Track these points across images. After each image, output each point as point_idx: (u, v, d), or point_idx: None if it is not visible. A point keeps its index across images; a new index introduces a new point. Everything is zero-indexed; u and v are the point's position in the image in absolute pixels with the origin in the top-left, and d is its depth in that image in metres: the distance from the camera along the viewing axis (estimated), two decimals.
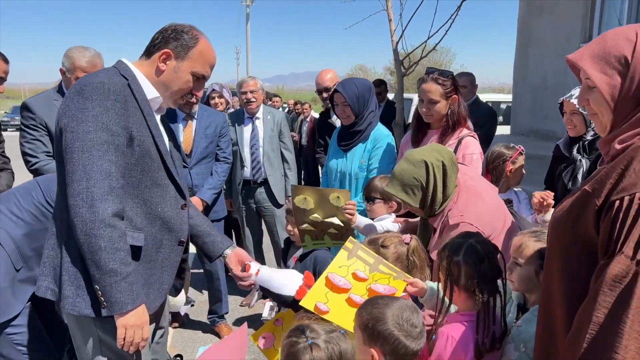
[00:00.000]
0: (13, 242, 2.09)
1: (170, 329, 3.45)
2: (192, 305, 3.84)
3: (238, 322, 3.87)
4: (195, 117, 3.37)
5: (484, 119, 3.98)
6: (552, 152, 2.77)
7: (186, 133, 3.33)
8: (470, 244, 1.57)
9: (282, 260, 2.77)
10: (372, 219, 2.51)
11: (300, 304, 1.76)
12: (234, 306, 4.09)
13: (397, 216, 2.56)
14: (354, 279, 1.79)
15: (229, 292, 3.79)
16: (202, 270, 3.81)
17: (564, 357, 1.06)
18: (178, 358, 3.04)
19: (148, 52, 1.70)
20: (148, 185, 1.64)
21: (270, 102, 8.56)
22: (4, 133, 3.07)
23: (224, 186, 3.78)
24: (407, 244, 1.95)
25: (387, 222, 2.48)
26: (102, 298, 1.49)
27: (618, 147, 1.04)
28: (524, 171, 2.83)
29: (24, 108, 2.84)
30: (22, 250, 2.11)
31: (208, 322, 3.75)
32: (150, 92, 1.68)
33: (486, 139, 3.96)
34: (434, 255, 1.94)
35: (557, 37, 8.15)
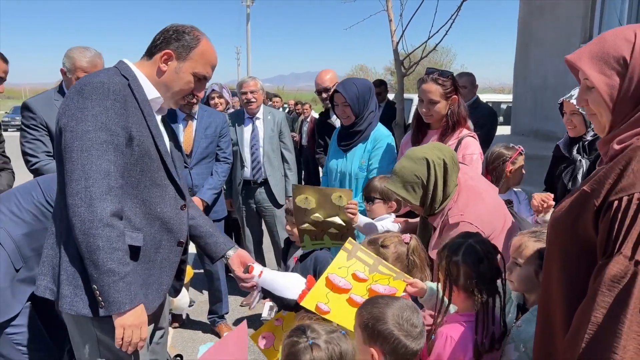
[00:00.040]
0: (13, 242, 2.10)
1: (170, 329, 3.45)
2: (192, 306, 3.85)
3: (238, 322, 3.86)
4: (196, 117, 3.37)
5: (484, 119, 3.98)
6: (552, 152, 2.77)
7: (186, 133, 3.33)
8: (470, 244, 1.57)
9: (282, 260, 2.77)
10: (372, 219, 2.52)
11: (301, 304, 1.76)
12: (234, 306, 4.09)
13: (396, 216, 2.56)
14: (354, 279, 1.80)
15: (229, 292, 3.79)
16: (202, 271, 3.81)
17: (563, 357, 1.06)
18: (178, 358, 3.05)
19: (149, 53, 1.70)
20: (147, 185, 1.64)
21: (270, 103, 8.56)
22: (4, 133, 3.07)
23: (224, 186, 3.78)
24: (407, 243, 1.96)
25: (387, 222, 2.48)
26: (100, 298, 1.49)
27: (617, 147, 1.04)
28: (523, 171, 2.83)
29: (25, 108, 2.84)
30: (22, 250, 2.11)
31: (208, 322, 3.75)
32: (151, 92, 1.68)
33: (486, 139, 3.96)
34: (433, 254, 1.94)
35: (558, 38, 8.15)
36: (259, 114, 3.94)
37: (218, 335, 3.63)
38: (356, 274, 1.80)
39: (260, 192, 3.97)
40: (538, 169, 3.67)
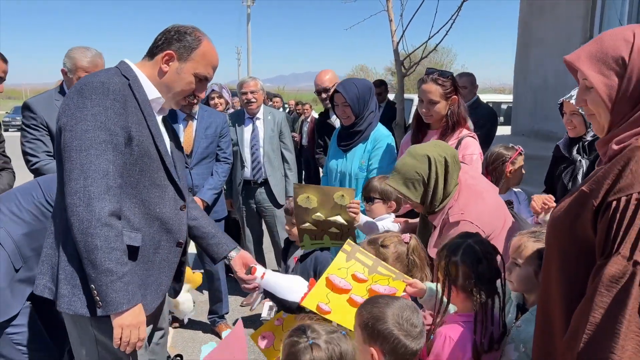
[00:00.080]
0: (13, 242, 2.10)
1: (170, 329, 3.45)
2: (193, 312, 3.84)
3: None
4: (196, 117, 3.37)
5: (485, 120, 3.98)
6: (552, 152, 2.77)
7: (186, 133, 3.33)
8: (469, 245, 1.57)
9: (283, 259, 2.77)
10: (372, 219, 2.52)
11: (302, 304, 1.76)
12: (234, 306, 4.10)
13: (396, 216, 2.57)
14: (354, 280, 1.80)
15: (229, 292, 3.80)
16: (202, 271, 3.81)
17: (562, 357, 1.06)
18: (178, 358, 3.05)
19: (151, 53, 1.70)
20: (146, 186, 1.64)
21: (270, 103, 8.56)
22: (5, 133, 3.08)
23: (225, 186, 3.79)
24: (407, 243, 1.96)
25: (387, 222, 2.48)
26: (98, 297, 1.49)
27: (615, 147, 1.04)
28: (523, 171, 2.83)
29: (25, 108, 2.85)
30: (22, 250, 2.11)
31: (208, 322, 3.75)
32: (152, 92, 1.68)
33: (486, 139, 3.96)
34: (432, 252, 1.94)
35: (558, 38, 8.14)
36: (259, 114, 3.94)
37: (218, 335, 3.64)
38: (356, 275, 1.80)
39: (261, 192, 3.98)
40: (538, 169, 3.66)
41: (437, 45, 4.83)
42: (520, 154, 2.76)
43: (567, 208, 1.09)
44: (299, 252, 2.56)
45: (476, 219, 1.92)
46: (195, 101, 1.84)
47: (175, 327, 3.73)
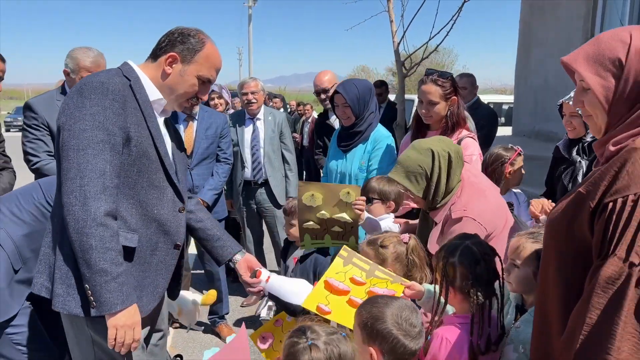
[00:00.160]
0: (13, 243, 2.10)
1: (170, 329, 3.46)
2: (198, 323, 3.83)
3: (238, 323, 3.88)
4: (196, 118, 3.38)
5: (485, 120, 3.98)
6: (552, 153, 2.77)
7: (187, 134, 3.34)
8: (467, 246, 1.57)
9: (282, 259, 2.77)
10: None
11: (302, 305, 1.76)
12: (235, 307, 4.10)
13: (396, 217, 2.57)
14: (353, 283, 1.80)
15: (229, 293, 3.80)
16: (202, 271, 3.82)
17: (559, 357, 1.06)
18: (178, 358, 3.05)
19: (154, 55, 1.70)
20: (144, 187, 1.64)
21: (271, 104, 8.56)
22: (7, 133, 3.09)
23: (225, 187, 3.79)
24: (406, 243, 1.96)
25: (388, 222, 2.48)
26: (92, 298, 1.48)
27: (612, 148, 1.04)
28: (523, 172, 2.83)
29: (27, 108, 2.86)
30: (22, 251, 2.12)
31: (209, 323, 3.76)
32: (154, 94, 1.68)
33: (487, 140, 3.96)
34: (432, 248, 1.93)
35: (559, 38, 8.14)
36: (260, 115, 3.95)
37: (218, 336, 3.64)
38: (354, 278, 1.80)
39: (261, 193, 3.98)
40: (539, 169, 3.67)
41: (437, 45, 4.83)
42: (519, 154, 2.75)
43: (565, 209, 1.09)
44: (298, 253, 2.55)
45: (478, 216, 1.91)
46: (196, 102, 1.85)
47: (175, 328, 3.74)
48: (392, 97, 6.20)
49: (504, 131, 9.36)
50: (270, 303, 2.47)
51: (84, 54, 2.79)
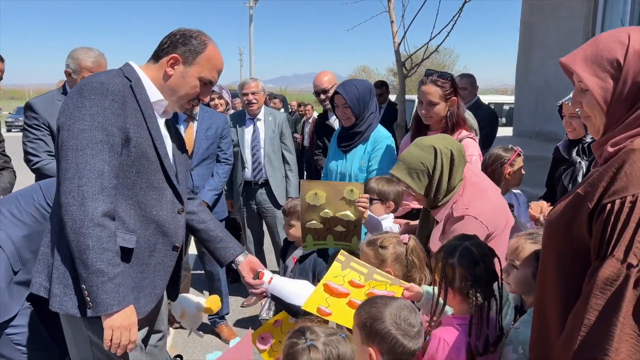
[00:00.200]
0: (12, 244, 2.11)
1: (170, 329, 3.46)
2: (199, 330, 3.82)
3: (239, 323, 3.88)
4: (197, 118, 3.38)
5: (485, 121, 3.98)
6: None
7: (187, 134, 3.34)
8: (466, 247, 1.57)
9: (281, 259, 2.77)
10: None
11: (302, 307, 1.76)
12: (235, 307, 4.10)
13: (396, 217, 2.57)
14: (352, 286, 1.80)
15: (230, 293, 3.81)
16: (202, 271, 3.82)
17: (558, 358, 1.06)
18: (178, 358, 3.05)
19: (156, 57, 1.71)
20: (143, 188, 1.64)
21: (271, 104, 8.56)
22: (8, 134, 3.10)
23: (225, 187, 3.79)
24: (406, 244, 1.96)
25: (388, 222, 2.48)
26: (88, 298, 1.48)
27: (610, 149, 1.04)
28: (523, 172, 2.82)
29: (28, 108, 2.87)
30: (21, 252, 2.12)
31: (209, 323, 3.76)
32: (155, 95, 1.68)
33: (487, 140, 3.96)
34: (433, 246, 1.93)
35: (560, 39, 8.13)
36: (260, 115, 3.95)
37: (219, 336, 3.64)
38: (353, 281, 1.80)
39: (261, 193, 3.98)
40: (540, 170, 3.66)
41: (438, 46, 4.83)
42: (519, 155, 2.74)
43: (563, 210, 1.09)
44: (297, 252, 2.55)
45: (480, 215, 1.91)
46: (197, 103, 1.85)
47: (175, 328, 3.74)
48: (392, 97, 6.20)
49: (504, 132, 9.35)
50: (269, 303, 2.47)
51: (85, 54, 2.80)
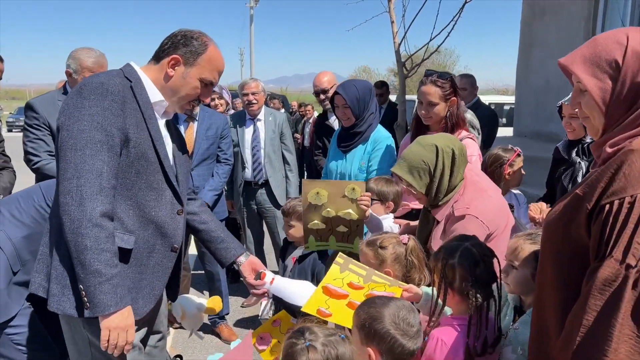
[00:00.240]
0: (12, 245, 2.11)
1: (171, 329, 3.46)
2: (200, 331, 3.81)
3: (239, 323, 3.88)
4: (197, 118, 3.39)
5: (485, 121, 3.98)
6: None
7: (187, 135, 3.34)
8: (466, 247, 1.57)
9: (281, 258, 2.77)
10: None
11: (302, 309, 1.76)
12: (235, 307, 4.10)
13: (395, 217, 2.56)
14: (351, 288, 1.80)
15: (230, 293, 3.81)
16: (203, 272, 3.82)
17: (557, 358, 1.06)
18: (178, 359, 3.05)
19: (157, 57, 1.71)
20: (142, 188, 1.64)
21: (271, 104, 8.55)
22: (9, 134, 3.11)
23: (225, 187, 3.79)
24: (405, 244, 1.95)
25: (388, 222, 2.48)
26: (86, 298, 1.48)
27: (609, 150, 1.04)
28: (523, 172, 2.82)
29: (28, 108, 2.87)
30: (21, 253, 2.12)
31: (209, 323, 3.76)
32: (155, 95, 1.68)
33: (487, 140, 3.96)
34: (435, 246, 1.93)
35: (560, 39, 8.13)
36: (260, 115, 3.95)
37: (219, 336, 3.65)
38: (352, 283, 1.80)
39: (261, 193, 3.99)
40: (540, 170, 3.66)
41: (439, 46, 4.83)
42: (518, 155, 2.74)
43: (562, 211, 1.09)
44: (297, 252, 2.55)
45: (481, 215, 1.91)
46: (197, 104, 1.85)
47: (175, 328, 3.74)
48: (393, 97, 6.21)
49: (505, 132, 9.36)
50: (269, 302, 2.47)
51: (86, 54, 2.81)
